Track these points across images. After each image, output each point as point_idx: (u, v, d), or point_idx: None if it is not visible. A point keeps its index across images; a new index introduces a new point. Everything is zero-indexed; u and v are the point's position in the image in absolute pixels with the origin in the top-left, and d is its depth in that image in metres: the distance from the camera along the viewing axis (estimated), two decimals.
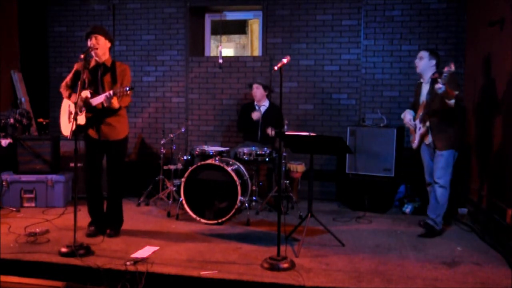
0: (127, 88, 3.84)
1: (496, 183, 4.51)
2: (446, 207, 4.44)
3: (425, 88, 4.50)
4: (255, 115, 5.56)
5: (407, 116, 4.63)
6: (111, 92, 3.89)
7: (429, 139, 4.47)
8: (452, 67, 3.98)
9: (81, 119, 4.02)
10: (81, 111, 4.00)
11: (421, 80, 4.59)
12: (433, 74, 4.43)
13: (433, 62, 4.47)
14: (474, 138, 5.23)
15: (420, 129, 4.49)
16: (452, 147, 4.39)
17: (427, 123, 4.42)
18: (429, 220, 4.48)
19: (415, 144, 4.60)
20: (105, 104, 3.94)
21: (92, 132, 4.17)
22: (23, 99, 6.27)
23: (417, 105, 4.60)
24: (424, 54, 4.50)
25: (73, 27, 6.73)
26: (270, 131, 5.41)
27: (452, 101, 4.17)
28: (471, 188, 5.23)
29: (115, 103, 3.97)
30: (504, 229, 4.06)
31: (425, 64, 4.48)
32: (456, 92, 4.13)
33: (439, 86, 4.02)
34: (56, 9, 6.76)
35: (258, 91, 5.62)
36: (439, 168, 4.40)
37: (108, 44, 4.16)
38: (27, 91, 6.38)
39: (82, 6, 6.69)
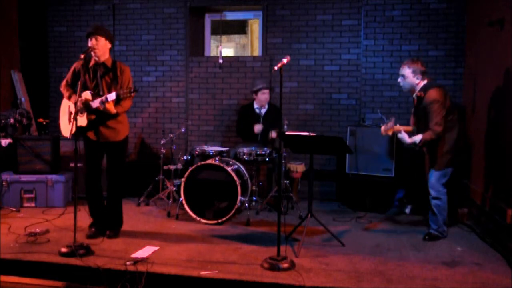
0: (132, 90, 3.82)
1: (496, 183, 4.51)
2: (445, 214, 4.34)
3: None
4: (257, 128, 5.56)
5: (406, 140, 4.25)
6: (107, 96, 3.88)
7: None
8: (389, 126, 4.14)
9: (83, 121, 3.99)
10: (82, 113, 3.99)
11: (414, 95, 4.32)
12: (419, 91, 4.17)
13: (419, 76, 4.16)
14: (474, 138, 5.23)
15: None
16: (444, 168, 4.22)
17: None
18: (432, 231, 4.37)
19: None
20: (100, 108, 3.91)
21: (91, 134, 4.14)
22: (23, 99, 6.27)
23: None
24: (406, 71, 4.17)
25: (73, 27, 6.73)
26: (272, 134, 5.39)
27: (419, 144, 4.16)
28: (471, 188, 5.23)
29: (111, 108, 3.95)
30: (504, 229, 4.06)
31: (410, 82, 4.20)
32: (418, 142, 4.07)
33: (401, 136, 4.17)
34: (56, 9, 6.76)
35: (268, 95, 5.64)
36: (431, 179, 4.27)
37: (109, 45, 4.15)
38: (27, 91, 6.38)
39: (82, 6, 6.69)
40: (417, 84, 4.19)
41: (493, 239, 4.19)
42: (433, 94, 4.07)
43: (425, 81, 4.20)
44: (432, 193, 4.29)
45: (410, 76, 4.18)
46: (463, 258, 3.82)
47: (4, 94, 6.13)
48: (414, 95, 4.27)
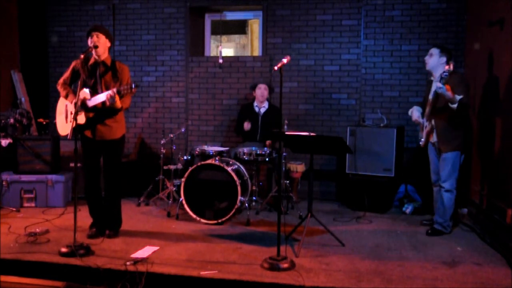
0: (133, 85, 3.80)
1: (496, 183, 4.51)
2: (452, 209, 4.44)
3: (434, 86, 4.34)
4: (246, 126, 5.57)
5: (415, 113, 4.55)
6: (114, 89, 3.86)
7: (434, 138, 4.47)
8: (451, 67, 4.01)
9: (81, 118, 3.98)
10: (80, 110, 3.97)
11: (431, 78, 4.51)
12: (443, 72, 4.27)
13: (444, 59, 4.37)
14: (474, 138, 5.23)
15: (426, 127, 4.48)
16: (457, 149, 4.35)
17: (432, 122, 4.41)
18: (437, 225, 4.47)
19: (422, 142, 4.56)
20: (107, 103, 3.89)
21: (88, 132, 4.13)
22: (23, 99, 6.27)
23: (426, 102, 4.52)
24: (434, 51, 4.41)
25: (73, 27, 6.73)
26: (268, 143, 5.43)
27: (455, 105, 4.13)
28: (472, 188, 5.23)
29: (118, 102, 3.95)
30: (504, 229, 4.06)
31: (434, 61, 4.40)
32: (459, 97, 4.09)
33: (439, 85, 4.01)
34: (56, 9, 6.76)
35: (265, 91, 5.66)
36: (445, 171, 4.38)
37: (108, 44, 4.15)
38: (27, 91, 6.38)
39: (82, 6, 6.69)
40: (441, 64, 4.36)
41: (493, 239, 4.19)
42: (462, 75, 4.37)
43: (451, 67, 4.35)
44: (446, 186, 4.37)
45: (436, 55, 4.38)
46: (463, 258, 3.82)
47: (4, 94, 6.13)
48: (436, 77, 4.35)
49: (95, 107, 3.99)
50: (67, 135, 3.93)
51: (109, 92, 3.86)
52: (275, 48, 6.26)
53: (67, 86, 4.18)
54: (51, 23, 6.79)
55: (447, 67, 4.13)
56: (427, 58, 4.47)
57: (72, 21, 6.73)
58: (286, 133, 4.55)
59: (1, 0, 6.12)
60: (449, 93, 4.08)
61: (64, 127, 4.18)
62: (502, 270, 3.54)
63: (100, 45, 4.06)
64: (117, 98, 3.90)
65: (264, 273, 3.40)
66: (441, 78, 4.05)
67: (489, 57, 4.80)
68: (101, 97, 3.91)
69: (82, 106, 3.96)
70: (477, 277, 3.41)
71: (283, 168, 5.33)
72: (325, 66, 6.16)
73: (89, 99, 3.95)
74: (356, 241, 4.25)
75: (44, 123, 5.99)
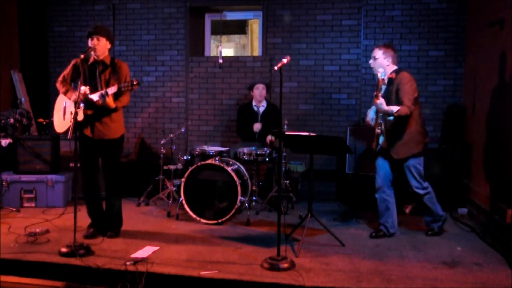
0: (134, 82, 3.81)
1: (496, 183, 4.51)
2: (436, 202, 4.34)
3: (383, 89, 4.18)
4: (256, 127, 5.57)
5: (370, 114, 4.36)
6: (108, 90, 3.87)
7: (383, 144, 4.27)
8: (378, 75, 3.97)
9: (79, 115, 3.94)
10: (79, 107, 3.95)
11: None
12: (391, 73, 4.12)
13: (389, 59, 4.13)
14: (474, 138, 5.23)
15: (376, 130, 4.29)
16: (412, 154, 4.17)
17: (382, 127, 4.21)
18: (433, 225, 4.43)
19: (374, 145, 4.35)
20: (99, 102, 3.89)
21: (87, 131, 4.12)
22: (23, 99, 6.27)
23: None
24: (377, 52, 4.15)
25: (73, 27, 6.73)
26: (268, 139, 5.42)
27: (391, 118, 4.06)
28: (471, 188, 5.23)
29: (111, 102, 3.94)
30: (504, 229, 4.06)
31: (380, 63, 4.14)
32: (395, 108, 3.95)
33: (380, 101, 3.96)
34: (56, 9, 6.76)
35: (264, 91, 5.64)
36: (411, 179, 4.25)
37: (109, 45, 4.15)
38: (27, 91, 6.38)
39: (82, 6, 6.69)
40: (387, 66, 4.16)
41: (493, 239, 4.19)
42: (407, 75, 4.10)
43: (395, 66, 4.20)
44: (420, 191, 4.28)
45: (381, 58, 4.15)
46: (463, 258, 3.81)
47: (4, 94, 6.14)
48: (380, 76, 4.11)
49: (94, 105, 3.98)
50: (63, 132, 3.95)
51: (102, 91, 3.87)
52: (275, 48, 6.26)
53: (66, 83, 4.17)
54: (51, 23, 6.79)
55: (390, 71, 4.01)
56: (371, 62, 4.20)
57: (72, 21, 6.73)
58: (286, 133, 4.55)
59: (1, 0, 6.12)
60: (384, 107, 3.99)
61: (61, 124, 4.18)
62: (502, 270, 3.54)
63: (100, 48, 4.07)
64: (109, 98, 3.89)
65: (264, 273, 3.40)
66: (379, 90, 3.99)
67: (489, 57, 4.80)
68: (95, 97, 3.91)
69: (85, 101, 3.94)
70: (477, 277, 3.41)
71: (283, 168, 5.33)
72: (325, 66, 6.16)
73: (89, 95, 3.95)
74: (356, 241, 4.25)
75: (44, 123, 5.98)
